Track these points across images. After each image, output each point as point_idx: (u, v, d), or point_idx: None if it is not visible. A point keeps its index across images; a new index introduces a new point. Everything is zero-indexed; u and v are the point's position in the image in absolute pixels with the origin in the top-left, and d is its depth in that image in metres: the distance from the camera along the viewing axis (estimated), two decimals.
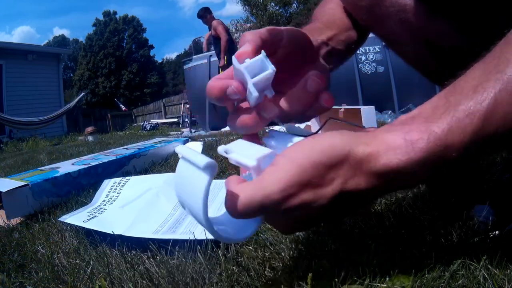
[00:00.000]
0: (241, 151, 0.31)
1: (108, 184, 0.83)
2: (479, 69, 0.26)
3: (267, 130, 0.35)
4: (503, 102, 0.24)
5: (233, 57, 0.31)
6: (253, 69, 0.30)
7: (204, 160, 0.26)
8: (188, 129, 4.79)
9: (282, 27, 0.34)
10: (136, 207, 0.70)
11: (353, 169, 0.27)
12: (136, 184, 0.83)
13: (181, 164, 0.29)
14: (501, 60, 0.25)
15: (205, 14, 4.04)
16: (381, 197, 0.31)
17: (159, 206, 0.69)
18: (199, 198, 0.27)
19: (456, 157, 0.25)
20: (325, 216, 0.30)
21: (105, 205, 0.74)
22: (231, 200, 0.28)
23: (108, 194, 0.80)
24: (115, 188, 0.81)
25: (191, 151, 0.28)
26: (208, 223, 0.28)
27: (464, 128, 0.25)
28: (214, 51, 4.29)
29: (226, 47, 3.88)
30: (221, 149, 0.32)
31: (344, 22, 0.48)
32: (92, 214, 0.68)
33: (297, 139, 0.32)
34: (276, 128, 0.34)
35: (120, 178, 0.86)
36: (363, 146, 0.27)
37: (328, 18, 0.48)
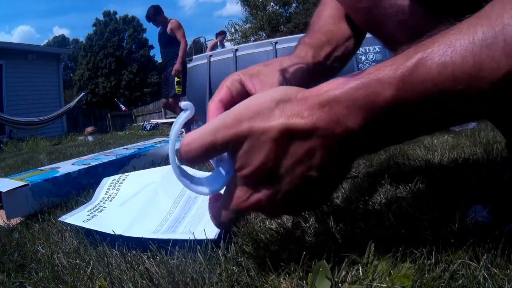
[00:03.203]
0: None
1: (107, 182, 0.83)
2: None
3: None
4: (439, 52, 0.25)
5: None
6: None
7: (186, 104, 0.32)
8: None
9: (290, 80, 0.41)
10: (136, 205, 0.70)
11: (299, 105, 0.29)
12: (135, 179, 0.83)
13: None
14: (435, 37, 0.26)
15: (155, 17, 3.67)
16: (344, 162, 0.28)
17: (158, 203, 0.69)
18: (173, 130, 0.32)
19: (392, 96, 0.26)
20: (302, 184, 0.30)
21: (104, 202, 0.74)
22: (187, 143, 0.30)
23: (108, 191, 0.79)
24: (114, 185, 0.81)
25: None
26: (173, 156, 0.32)
27: (397, 66, 0.26)
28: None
29: (185, 52, 3.62)
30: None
31: (343, 32, 0.49)
32: (92, 213, 0.68)
33: None
34: None
35: (119, 175, 0.85)
36: (310, 90, 0.30)
37: (330, 29, 0.49)
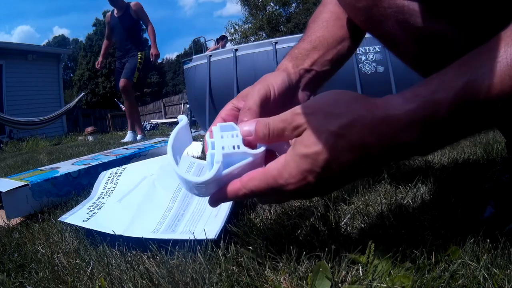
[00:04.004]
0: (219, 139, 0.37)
1: (105, 175, 0.82)
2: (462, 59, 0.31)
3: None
4: (483, 76, 0.28)
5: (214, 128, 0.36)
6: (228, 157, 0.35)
7: (181, 116, 0.40)
8: None
9: (272, 84, 0.43)
10: (134, 200, 0.70)
11: (361, 113, 0.32)
12: (132, 172, 0.82)
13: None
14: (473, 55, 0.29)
15: (117, 0, 3.39)
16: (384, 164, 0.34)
17: (156, 198, 0.69)
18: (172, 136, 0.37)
19: (446, 115, 0.29)
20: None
21: (103, 198, 0.74)
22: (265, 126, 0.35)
23: (106, 186, 0.79)
24: (112, 179, 0.81)
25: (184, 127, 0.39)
26: (171, 154, 0.35)
27: (450, 89, 0.29)
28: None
29: (155, 34, 3.48)
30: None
31: (335, 36, 0.50)
32: (92, 211, 0.67)
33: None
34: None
35: (117, 168, 0.85)
36: (373, 102, 0.32)
37: (319, 35, 0.50)
